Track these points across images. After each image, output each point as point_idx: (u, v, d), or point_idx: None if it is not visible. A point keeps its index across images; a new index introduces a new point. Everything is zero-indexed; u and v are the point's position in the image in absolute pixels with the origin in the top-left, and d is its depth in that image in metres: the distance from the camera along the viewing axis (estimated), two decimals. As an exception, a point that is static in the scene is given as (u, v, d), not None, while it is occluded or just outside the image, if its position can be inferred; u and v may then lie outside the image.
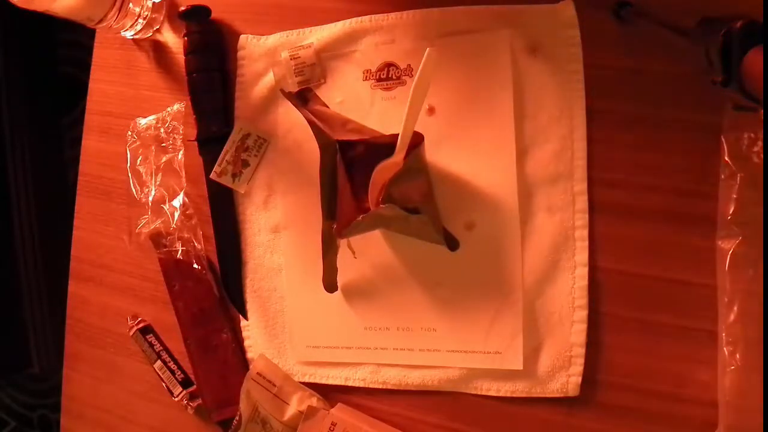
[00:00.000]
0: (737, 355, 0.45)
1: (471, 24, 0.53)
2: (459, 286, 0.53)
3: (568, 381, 0.50)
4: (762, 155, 0.44)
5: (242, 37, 0.60)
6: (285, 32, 0.58)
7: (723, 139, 0.46)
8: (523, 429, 0.52)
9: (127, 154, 0.63)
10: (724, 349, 0.45)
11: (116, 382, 0.66)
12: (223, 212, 0.61)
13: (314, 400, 0.56)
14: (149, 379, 0.64)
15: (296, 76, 0.57)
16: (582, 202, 0.50)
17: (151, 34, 0.63)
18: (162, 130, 0.62)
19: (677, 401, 0.47)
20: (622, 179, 0.49)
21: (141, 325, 0.64)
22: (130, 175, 0.63)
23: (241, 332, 0.61)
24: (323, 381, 0.57)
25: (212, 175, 0.60)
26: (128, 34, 0.63)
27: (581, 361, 0.50)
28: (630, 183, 0.49)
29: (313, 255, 0.54)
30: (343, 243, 0.54)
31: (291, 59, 0.57)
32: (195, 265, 0.61)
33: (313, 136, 0.51)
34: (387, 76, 0.55)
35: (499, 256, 0.52)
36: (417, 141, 0.48)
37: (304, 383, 0.58)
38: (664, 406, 0.48)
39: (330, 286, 0.55)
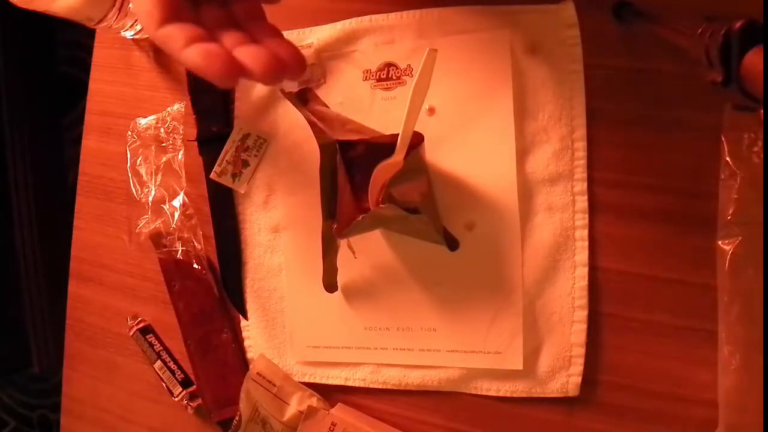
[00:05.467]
0: (737, 355, 0.45)
1: (471, 24, 0.53)
2: (459, 286, 0.53)
3: (568, 381, 0.50)
4: (762, 155, 0.44)
5: (242, 37, 0.60)
6: (285, 32, 0.58)
7: (723, 139, 0.46)
8: (523, 429, 0.52)
9: (127, 154, 0.63)
10: (724, 349, 0.45)
11: (116, 382, 0.67)
12: (223, 212, 0.61)
13: (314, 400, 0.56)
14: (149, 379, 0.64)
15: (296, 76, 0.57)
16: (582, 202, 0.50)
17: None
18: (162, 130, 0.62)
19: (677, 401, 0.47)
20: (622, 179, 0.49)
21: (141, 325, 0.64)
22: (130, 175, 0.63)
23: (241, 332, 0.61)
24: (323, 381, 0.58)
25: (212, 175, 0.60)
26: (128, 34, 0.63)
27: (581, 361, 0.50)
28: (630, 183, 0.49)
29: (313, 255, 0.54)
30: (343, 243, 0.54)
31: (291, 59, 0.57)
32: (195, 265, 0.61)
33: (313, 136, 0.51)
34: (387, 76, 0.55)
35: (499, 256, 0.52)
36: (417, 141, 0.48)
37: (304, 383, 0.58)
38: (664, 406, 0.48)
39: (330, 286, 0.55)
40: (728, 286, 0.45)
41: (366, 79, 0.56)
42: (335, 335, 0.57)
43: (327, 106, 0.55)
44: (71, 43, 1.43)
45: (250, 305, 0.60)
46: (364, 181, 0.49)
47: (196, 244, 0.61)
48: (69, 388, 0.69)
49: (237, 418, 0.58)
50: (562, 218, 0.50)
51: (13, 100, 1.29)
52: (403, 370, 0.55)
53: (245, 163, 0.59)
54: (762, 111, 0.44)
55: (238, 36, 0.35)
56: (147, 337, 0.63)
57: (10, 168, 1.29)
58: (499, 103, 0.51)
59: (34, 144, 1.34)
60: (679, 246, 0.48)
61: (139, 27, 0.62)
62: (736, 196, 0.45)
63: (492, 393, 0.52)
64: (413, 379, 0.54)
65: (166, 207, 0.62)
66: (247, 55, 0.32)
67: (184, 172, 0.62)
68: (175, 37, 0.33)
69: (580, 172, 0.50)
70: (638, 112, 0.49)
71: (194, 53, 0.32)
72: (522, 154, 0.51)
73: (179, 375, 0.62)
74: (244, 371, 0.59)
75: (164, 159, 0.62)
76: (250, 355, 0.61)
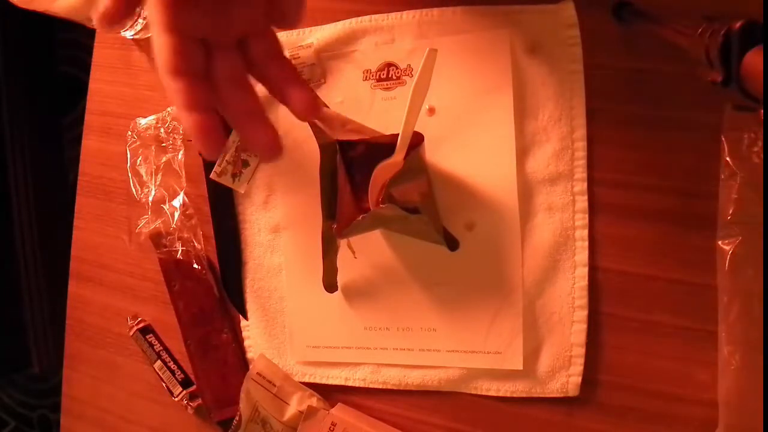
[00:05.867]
0: (737, 355, 0.45)
1: (471, 24, 0.53)
2: (459, 286, 0.53)
3: (568, 381, 0.50)
4: (762, 155, 0.44)
5: (242, 37, 0.60)
6: (285, 32, 0.58)
7: (723, 139, 0.46)
8: (523, 429, 0.52)
9: (127, 154, 0.63)
10: (724, 349, 0.45)
11: (116, 382, 0.67)
12: (223, 212, 0.61)
13: (314, 400, 0.56)
14: (149, 379, 0.64)
15: (296, 76, 0.57)
16: (582, 202, 0.50)
17: (151, 34, 0.63)
18: (162, 130, 0.62)
19: (677, 401, 0.47)
20: (622, 179, 0.49)
21: (141, 325, 0.64)
22: (130, 175, 0.63)
23: (241, 332, 0.61)
24: (323, 381, 0.58)
25: (212, 175, 0.60)
26: (128, 34, 0.63)
27: (581, 361, 0.50)
28: (630, 183, 0.49)
29: (313, 255, 0.54)
30: (343, 243, 0.54)
31: (291, 59, 0.57)
32: (195, 265, 0.61)
33: (313, 136, 0.51)
34: (387, 76, 0.55)
35: (499, 256, 0.52)
36: (417, 141, 0.48)
37: (304, 383, 0.58)
38: (664, 406, 0.48)
39: (330, 286, 0.55)
40: (728, 286, 0.45)
41: (366, 79, 0.56)
42: (335, 335, 0.57)
43: (327, 106, 0.55)
44: (71, 43, 1.43)
45: (250, 305, 0.60)
46: (364, 181, 0.49)
47: (196, 244, 0.61)
48: (69, 388, 0.69)
49: (237, 418, 0.58)
50: (562, 218, 0.50)
51: (13, 100, 1.29)
52: (403, 370, 0.55)
53: (245, 163, 0.59)
54: (762, 111, 0.44)
55: (246, 100, 0.35)
56: (147, 337, 0.63)
57: (10, 168, 1.29)
58: (499, 103, 0.51)
59: (34, 144, 1.34)
60: (679, 246, 0.48)
61: (139, 27, 0.62)
62: (736, 196, 0.45)
63: (492, 393, 0.52)
64: (413, 379, 0.54)
65: (166, 207, 0.62)
66: (252, 137, 0.34)
67: (184, 172, 0.62)
68: (179, 95, 0.33)
69: (580, 172, 0.50)
70: (638, 112, 0.49)
71: (191, 123, 0.33)
72: (522, 154, 0.51)
73: (179, 375, 0.62)
74: (244, 371, 0.59)
75: (164, 159, 0.62)
76: (250, 355, 0.61)
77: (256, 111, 0.35)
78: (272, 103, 0.59)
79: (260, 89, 0.37)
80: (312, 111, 0.36)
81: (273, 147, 0.34)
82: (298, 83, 0.36)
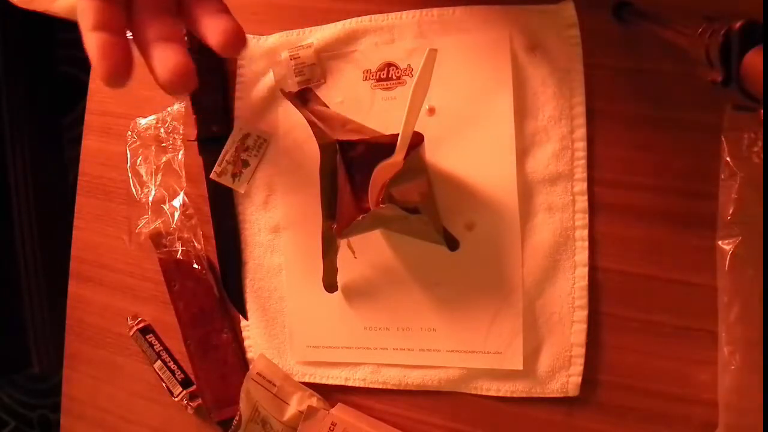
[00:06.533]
0: (737, 355, 0.45)
1: (471, 24, 0.53)
2: (459, 286, 0.53)
3: (568, 381, 0.50)
4: (762, 155, 0.44)
5: (242, 37, 0.60)
6: (285, 32, 0.59)
7: (723, 139, 0.46)
8: (523, 429, 0.52)
9: (127, 154, 0.63)
10: (724, 349, 0.45)
11: (116, 382, 0.67)
12: (223, 212, 0.61)
13: (314, 400, 0.56)
14: (149, 379, 0.64)
15: (296, 76, 0.57)
16: (582, 202, 0.50)
17: None
18: (162, 130, 0.62)
19: (677, 401, 0.47)
20: (622, 179, 0.49)
21: (141, 325, 0.64)
22: (130, 175, 0.63)
23: (241, 332, 0.61)
24: (323, 381, 0.58)
25: (212, 175, 0.60)
26: (128, 34, 0.62)
27: (581, 361, 0.50)
28: (630, 183, 0.49)
29: (313, 255, 0.54)
30: (343, 243, 0.54)
31: (291, 59, 0.57)
32: (195, 265, 0.61)
33: (313, 136, 0.51)
34: (387, 76, 0.55)
35: (499, 256, 0.52)
36: (417, 141, 0.48)
37: (304, 383, 0.58)
38: (664, 406, 0.48)
39: (330, 286, 0.55)
40: (728, 286, 0.45)
41: (366, 79, 0.56)
42: (335, 335, 0.57)
43: (327, 106, 0.55)
44: (71, 43, 1.43)
45: (250, 305, 0.60)
46: (364, 181, 0.49)
47: (196, 244, 0.61)
48: (69, 388, 0.69)
49: (237, 418, 0.58)
50: (562, 218, 0.50)
51: (13, 100, 1.30)
52: (403, 370, 0.55)
53: (245, 163, 0.59)
54: (762, 111, 0.44)
55: (162, 28, 0.31)
56: (147, 337, 0.63)
57: (10, 168, 1.29)
58: (499, 103, 0.51)
59: (34, 144, 1.34)
60: (679, 246, 0.48)
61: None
62: (736, 196, 0.45)
63: (492, 393, 0.52)
64: (413, 379, 0.54)
65: (166, 207, 0.62)
66: (159, 61, 0.30)
67: (184, 172, 0.62)
68: (88, 13, 0.30)
69: (580, 172, 0.50)
70: (638, 112, 0.49)
71: (96, 42, 0.29)
72: (522, 154, 0.51)
73: (179, 375, 0.62)
74: (244, 371, 0.59)
75: (164, 159, 0.62)
76: (250, 355, 0.61)
77: (171, 38, 0.31)
78: (271, 103, 0.59)
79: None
80: (233, 42, 0.31)
81: (180, 73, 0.30)
82: (223, 14, 0.32)
